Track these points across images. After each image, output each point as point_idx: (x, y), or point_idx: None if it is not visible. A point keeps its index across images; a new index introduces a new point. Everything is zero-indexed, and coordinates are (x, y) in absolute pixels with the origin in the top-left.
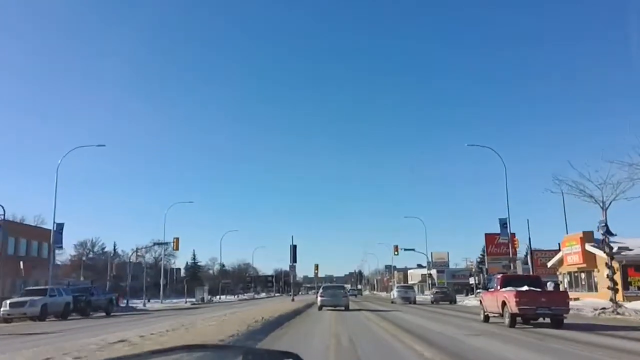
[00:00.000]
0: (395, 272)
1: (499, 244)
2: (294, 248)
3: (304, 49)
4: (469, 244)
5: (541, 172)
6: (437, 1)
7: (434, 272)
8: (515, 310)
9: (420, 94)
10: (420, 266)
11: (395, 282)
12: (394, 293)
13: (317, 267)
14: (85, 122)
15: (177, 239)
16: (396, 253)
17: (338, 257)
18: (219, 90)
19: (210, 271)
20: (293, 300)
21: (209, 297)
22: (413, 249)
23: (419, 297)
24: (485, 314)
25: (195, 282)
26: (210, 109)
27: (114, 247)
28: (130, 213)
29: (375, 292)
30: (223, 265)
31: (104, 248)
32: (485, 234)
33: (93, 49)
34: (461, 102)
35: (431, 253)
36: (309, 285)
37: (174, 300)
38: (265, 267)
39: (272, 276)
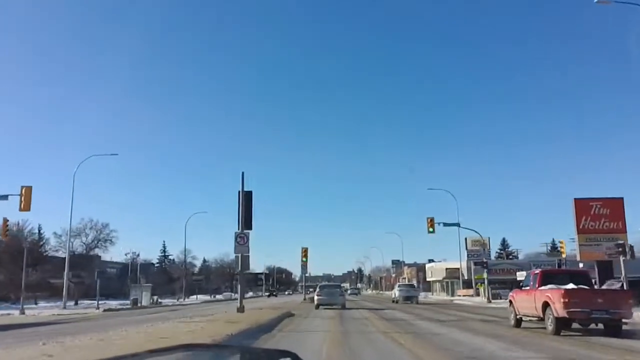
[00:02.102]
0: (406, 267)
1: (597, 214)
2: (245, 198)
3: (306, 48)
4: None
5: None
6: (438, 1)
7: (463, 263)
8: (562, 313)
9: (420, 93)
10: (431, 261)
11: (408, 279)
12: (396, 292)
13: (305, 252)
14: (86, 121)
15: (28, 188)
16: (431, 230)
17: (337, 255)
18: (218, 87)
19: (195, 267)
20: (241, 310)
21: (155, 298)
22: (457, 224)
23: (457, 300)
24: (518, 317)
25: (164, 279)
26: (209, 107)
27: (39, 230)
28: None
29: (381, 292)
30: (204, 261)
31: (34, 233)
32: (575, 200)
33: (94, 48)
34: (461, 102)
35: (465, 239)
36: (306, 284)
37: (102, 303)
38: (257, 264)
39: (262, 273)
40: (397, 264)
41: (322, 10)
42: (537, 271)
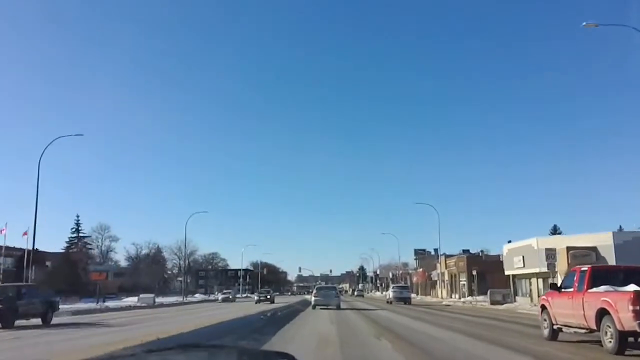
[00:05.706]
0: (443, 256)
1: None
2: None
3: (306, 46)
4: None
5: None
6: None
7: (604, 236)
8: (631, 325)
9: (419, 92)
10: (466, 251)
11: (451, 275)
12: (390, 293)
13: None
14: (88, 118)
15: None
16: None
17: (336, 255)
18: (217, 83)
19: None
20: None
21: None
22: None
23: None
24: (555, 327)
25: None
26: (208, 104)
27: None
28: None
29: None
30: (159, 250)
31: None
32: None
33: (93, 45)
34: (462, 100)
35: None
36: (301, 285)
37: None
38: (236, 259)
39: (241, 270)
40: (421, 254)
41: (324, 10)
42: (585, 268)
